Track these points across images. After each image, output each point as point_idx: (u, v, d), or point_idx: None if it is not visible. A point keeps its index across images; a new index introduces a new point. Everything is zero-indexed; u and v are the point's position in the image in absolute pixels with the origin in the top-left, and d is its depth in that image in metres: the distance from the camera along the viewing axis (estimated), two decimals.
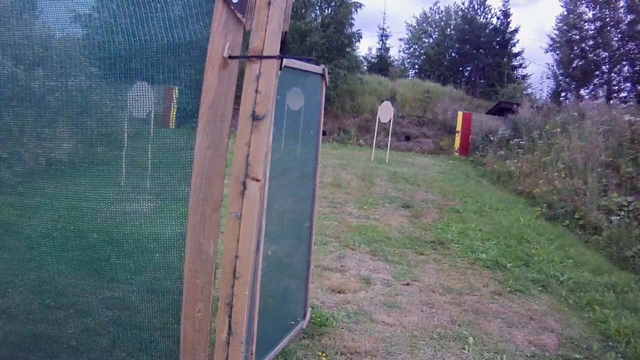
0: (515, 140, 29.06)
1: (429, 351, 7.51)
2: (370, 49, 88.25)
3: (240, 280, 3.40)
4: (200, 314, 3.57)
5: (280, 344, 6.79)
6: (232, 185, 3.30)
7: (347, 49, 43.29)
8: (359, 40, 46.40)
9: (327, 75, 7.17)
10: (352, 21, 44.96)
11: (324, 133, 36.90)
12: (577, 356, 7.93)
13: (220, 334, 3.55)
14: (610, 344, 8.50)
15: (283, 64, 5.33)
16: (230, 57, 3.25)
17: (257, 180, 3.26)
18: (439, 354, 7.48)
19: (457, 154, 36.69)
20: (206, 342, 3.66)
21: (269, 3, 3.21)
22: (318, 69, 7.00)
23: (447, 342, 7.85)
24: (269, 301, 6.30)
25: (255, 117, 3.21)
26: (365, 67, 55.02)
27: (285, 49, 3.43)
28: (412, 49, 72.50)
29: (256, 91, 3.23)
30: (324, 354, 6.93)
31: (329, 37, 41.38)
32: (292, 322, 7.35)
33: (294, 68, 6.14)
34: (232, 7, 3.18)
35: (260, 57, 3.25)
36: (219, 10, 3.23)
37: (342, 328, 7.83)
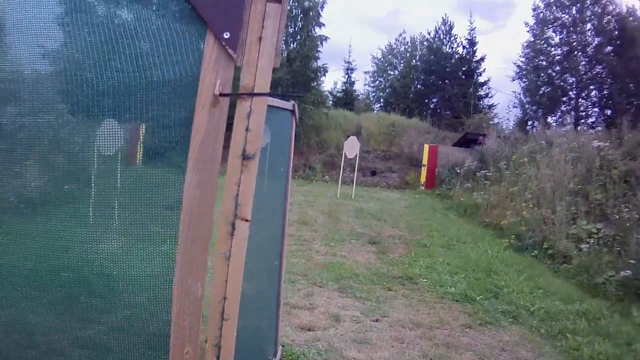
0: (482, 171, 29.21)
1: None
2: (335, 83, 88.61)
3: (228, 321, 3.38)
4: (188, 356, 3.48)
5: None
6: (221, 225, 3.27)
7: (313, 84, 43.44)
8: (324, 75, 46.72)
9: (297, 111, 7.17)
10: (319, 55, 45.26)
11: None
12: None
13: None
14: None
15: None
16: (221, 94, 3.21)
17: (246, 220, 3.23)
18: None
19: (423, 187, 36.69)
20: None
21: (260, 38, 3.18)
22: (288, 104, 7.01)
23: None
24: (242, 340, 6.09)
25: (245, 157, 3.17)
26: (330, 102, 55.16)
27: None
28: (377, 81, 72.73)
29: (247, 129, 3.20)
30: None
31: (294, 71, 41.54)
32: None
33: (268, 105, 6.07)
34: (224, 43, 3.14)
35: (252, 95, 3.21)
36: (209, 46, 3.18)
37: None
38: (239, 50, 3.19)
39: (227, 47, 3.14)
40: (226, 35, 3.10)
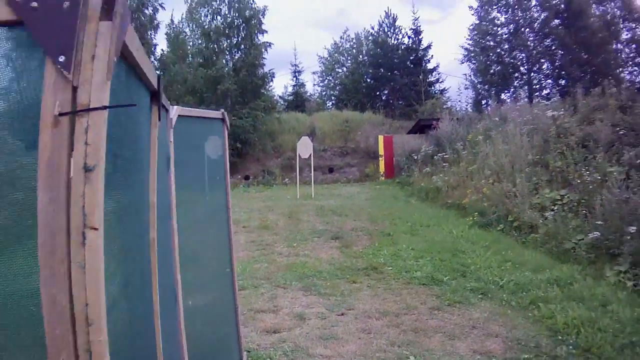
0: (439, 155, 29.16)
1: None
2: (285, 87, 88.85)
3: (93, 326, 3.13)
4: None
5: None
6: (73, 236, 3.06)
7: (262, 90, 43.43)
8: (272, 80, 46.80)
9: (227, 119, 7.16)
10: (264, 61, 45.23)
11: (247, 177, 36.79)
12: (526, 356, 7.84)
13: None
14: (560, 337, 8.43)
15: (178, 114, 5.11)
16: (60, 114, 3.03)
17: (95, 229, 3.02)
18: None
19: (383, 178, 36.76)
20: None
21: (93, 57, 2.98)
22: (217, 114, 6.98)
23: None
24: (200, 353, 5.99)
25: (87, 169, 2.98)
26: (282, 106, 55.17)
27: (163, 94, 3.50)
28: (326, 80, 72.69)
29: (86, 143, 3.00)
30: None
31: (242, 81, 41.52)
32: None
33: (192, 116, 6.08)
34: (59, 66, 2.93)
35: (88, 110, 3.01)
36: (48, 70, 3.04)
37: None
38: (75, 70, 3.03)
39: (62, 70, 2.96)
40: (61, 58, 2.95)
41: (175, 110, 5.18)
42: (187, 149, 5.86)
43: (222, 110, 7.10)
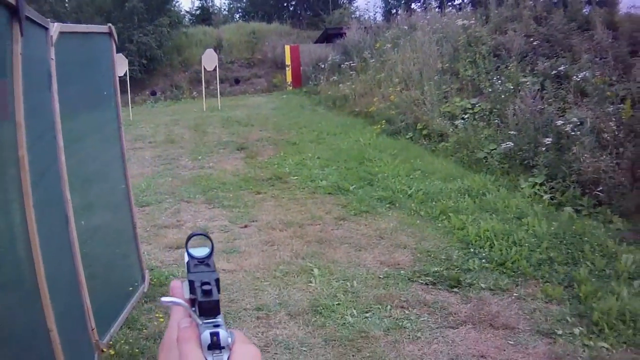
0: (346, 63, 28.79)
1: (273, 291, 7.31)
2: (192, 1, 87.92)
3: None
4: None
5: (124, 313, 6.55)
6: None
7: (167, 6, 42.67)
8: None
9: (115, 33, 6.95)
10: None
11: (154, 93, 36.27)
12: (436, 269, 7.76)
13: None
14: (472, 250, 8.37)
15: (60, 31, 4.77)
16: None
17: None
18: (284, 292, 7.28)
19: (290, 88, 36.42)
20: None
21: None
22: (104, 28, 6.85)
23: (291, 278, 7.68)
24: (98, 272, 6.07)
25: None
26: (189, 21, 54.59)
27: (30, 9, 3.54)
28: None
29: None
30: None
31: None
32: (131, 289, 7.04)
33: (77, 32, 6.05)
34: None
35: None
36: None
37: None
38: None
39: None
40: None
41: (56, 27, 5.00)
42: (72, 65, 5.68)
43: (109, 24, 6.95)
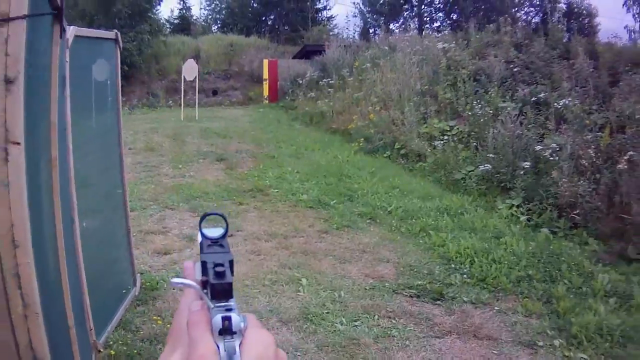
0: (324, 80, 29.05)
1: (264, 298, 7.47)
2: (172, 10, 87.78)
3: (20, 249, 3.06)
4: None
5: (117, 315, 6.67)
6: None
7: (149, 14, 42.68)
8: (159, 4, 45.97)
9: (120, 40, 7.09)
10: None
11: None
12: (420, 282, 7.98)
13: (15, 308, 3.23)
14: (453, 266, 8.61)
15: (75, 34, 4.90)
16: None
17: (18, 143, 2.88)
18: (274, 299, 7.45)
19: (267, 102, 36.46)
20: (6, 319, 3.28)
21: None
22: (111, 34, 6.92)
23: (280, 287, 7.86)
24: (96, 273, 6.04)
25: (7, 81, 3.00)
26: (168, 30, 54.55)
27: (64, 12, 3.54)
28: (213, 4, 71.91)
29: (6, 54, 3.00)
30: (159, 318, 6.78)
31: (131, 3, 40.69)
32: (124, 291, 7.19)
33: (88, 37, 6.08)
34: None
35: (7, 20, 2.98)
36: None
37: (173, 289, 7.66)
38: None
39: None
40: None
41: (71, 30, 5.12)
42: (82, 70, 5.76)
43: (116, 31, 7.05)
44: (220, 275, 0.94)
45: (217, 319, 0.87)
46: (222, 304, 0.91)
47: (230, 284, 0.93)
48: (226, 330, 0.86)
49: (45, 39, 3.83)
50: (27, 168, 3.11)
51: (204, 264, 0.99)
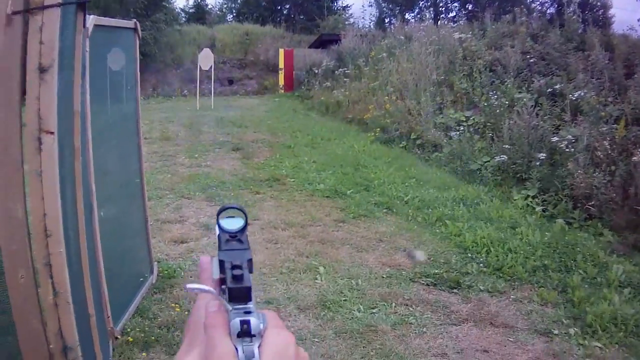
0: (340, 70, 28.98)
1: (281, 286, 7.51)
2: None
3: (52, 238, 3.12)
4: (23, 280, 3.33)
5: (134, 303, 6.70)
6: (28, 142, 3.02)
7: (164, 2, 42.59)
8: None
9: (139, 29, 7.14)
10: None
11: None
12: (436, 271, 8.01)
13: (46, 297, 3.38)
14: (470, 255, 8.63)
15: (94, 23, 4.93)
16: (13, 12, 2.87)
17: (51, 133, 2.91)
18: (292, 287, 7.49)
19: (282, 91, 36.39)
20: (36, 307, 3.43)
21: None
22: (130, 23, 6.99)
23: (298, 275, 7.88)
24: (114, 262, 6.11)
25: (41, 69, 2.93)
26: (183, 19, 54.40)
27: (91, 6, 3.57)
28: None
29: (40, 42, 3.08)
30: (177, 305, 6.83)
31: None
32: (141, 279, 7.24)
33: (108, 26, 6.07)
34: None
35: (42, 8, 2.92)
36: None
37: (190, 277, 7.67)
38: None
39: None
40: None
41: (91, 19, 5.08)
42: (100, 59, 5.79)
43: (135, 20, 7.11)
44: (238, 279, 0.92)
45: (235, 322, 0.85)
46: (241, 306, 0.89)
47: (249, 288, 0.91)
48: (245, 333, 0.84)
49: (70, 28, 3.85)
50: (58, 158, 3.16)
51: (221, 263, 0.96)
